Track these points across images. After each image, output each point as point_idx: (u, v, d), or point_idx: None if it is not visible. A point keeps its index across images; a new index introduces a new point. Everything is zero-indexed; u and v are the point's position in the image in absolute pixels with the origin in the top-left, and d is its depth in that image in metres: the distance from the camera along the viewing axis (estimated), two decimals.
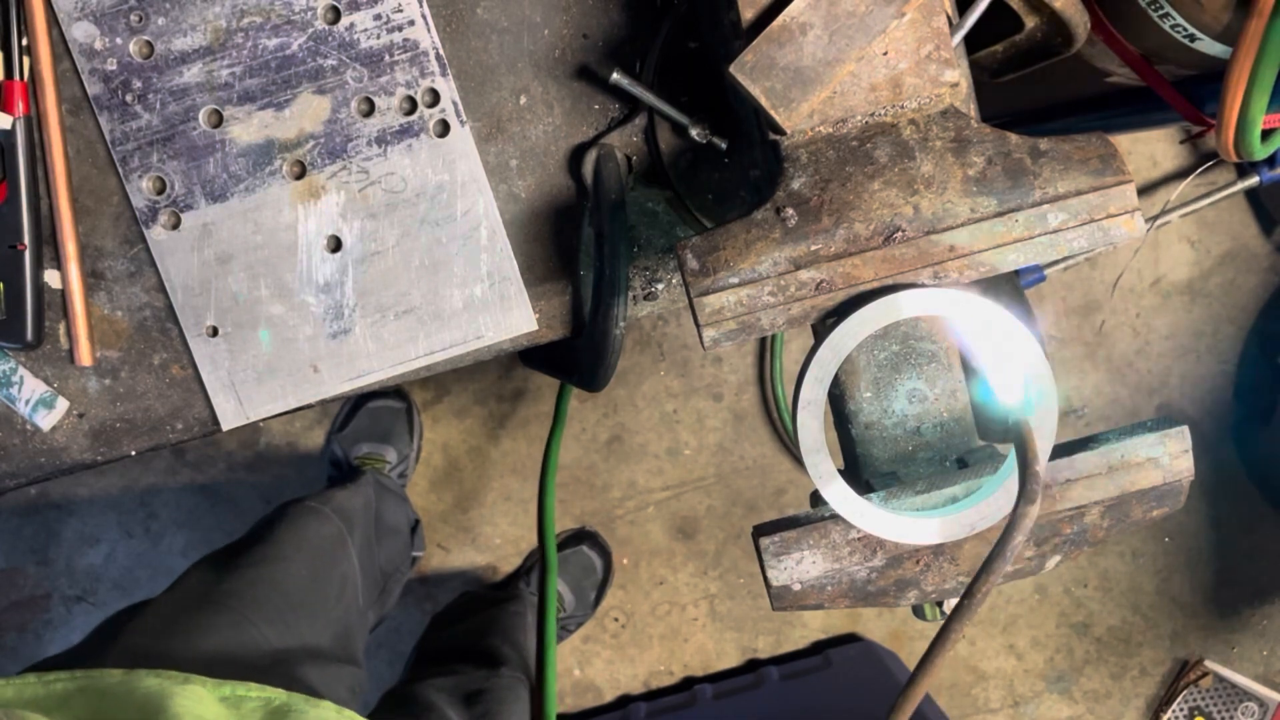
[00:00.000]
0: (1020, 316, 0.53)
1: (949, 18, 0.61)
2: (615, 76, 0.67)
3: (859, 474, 0.62)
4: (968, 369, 0.61)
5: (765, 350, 1.81)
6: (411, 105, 0.70)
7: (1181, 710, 1.88)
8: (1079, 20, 0.69)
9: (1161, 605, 1.90)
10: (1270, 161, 1.56)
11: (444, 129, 0.70)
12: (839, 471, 0.54)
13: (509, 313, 0.73)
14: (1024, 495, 0.50)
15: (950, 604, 0.60)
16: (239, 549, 1.01)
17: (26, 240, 0.68)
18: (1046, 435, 0.53)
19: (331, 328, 0.72)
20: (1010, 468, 0.54)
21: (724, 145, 0.70)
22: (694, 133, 0.69)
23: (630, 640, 1.88)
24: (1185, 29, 0.85)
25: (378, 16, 0.68)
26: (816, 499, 0.57)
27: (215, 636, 0.82)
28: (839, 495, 0.54)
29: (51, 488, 1.82)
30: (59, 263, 0.70)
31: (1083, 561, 1.88)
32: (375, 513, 1.45)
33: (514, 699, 1.23)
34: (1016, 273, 0.65)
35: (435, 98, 0.70)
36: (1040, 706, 1.93)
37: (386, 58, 0.69)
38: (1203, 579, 1.89)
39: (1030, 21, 0.71)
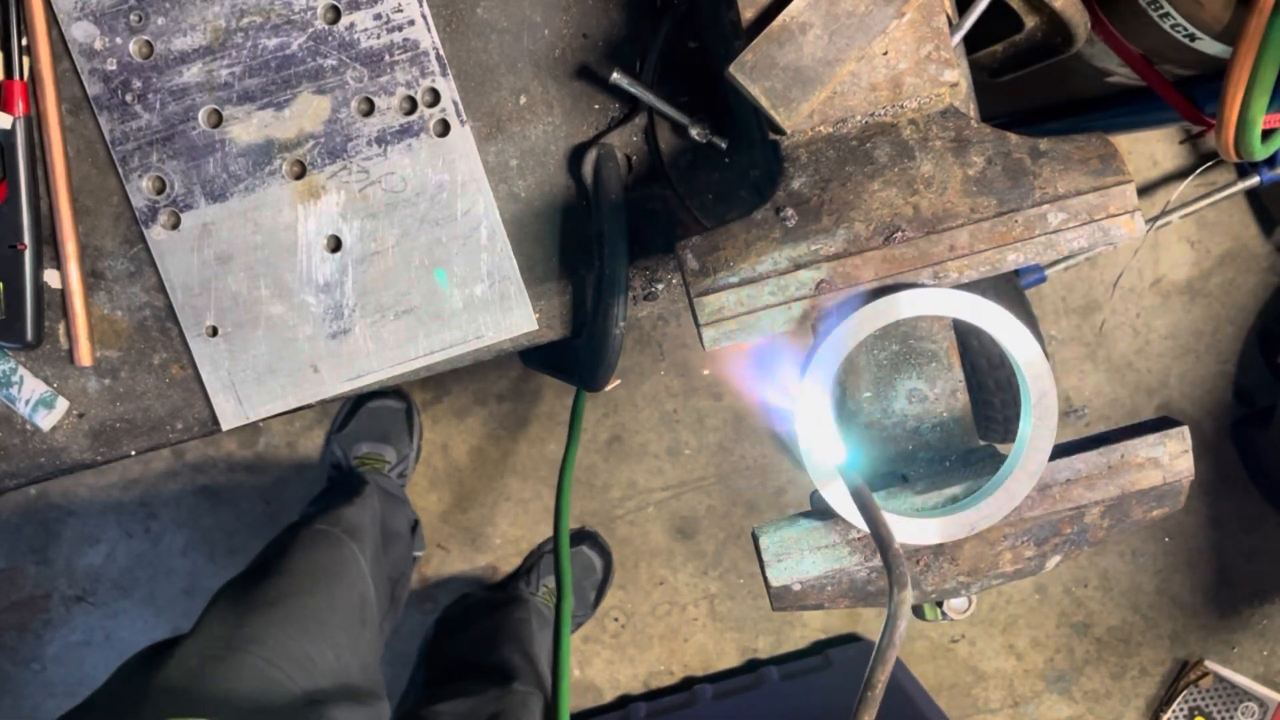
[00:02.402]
0: (1020, 316, 0.52)
1: (949, 18, 0.61)
2: (615, 76, 0.67)
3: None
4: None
5: None
6: (411, 105, 0.70)
7: (1181, 710, 1.88)
8: (1079, 20, 0.69)
9: (1161, 605, 1.90)
10: (1270, 161, 1.56)
11: (444, 129, 0.70)
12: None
13: (509, 313, 0.73)
14: (893, 579, 0.48)
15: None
16: (255, 580, 0.99)
17: (26, 240, 0.68)
18: (1046, 435, 0.53)
19: (331, 328, 0.72)
20: (1012, 466, 0.54)
21: (724, 145, 0.70)
22: (694, 133, 0.69)
23: (630, 640, 1.88)
24: (1185, 28, 0.85)
25: (378, 16, 0.68)
26: (817, 499, 0.57)
27: (242, 687, 0.81)
28: (839, 495, 0.54)
29: (51, 488, 1.82)
30: (59, 263, 0.70)
31: (1083, 561, 1.88)
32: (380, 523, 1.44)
33: (529, 717, 1.22)
34: (1016, 273, 0.65)
35: (435, 97, 0.70)
36: (1040, 706, 1.93)
37: (386, 57, 0.69)
38: (1203, 579, 1.89)
39: (1030, 21, 0.71)
